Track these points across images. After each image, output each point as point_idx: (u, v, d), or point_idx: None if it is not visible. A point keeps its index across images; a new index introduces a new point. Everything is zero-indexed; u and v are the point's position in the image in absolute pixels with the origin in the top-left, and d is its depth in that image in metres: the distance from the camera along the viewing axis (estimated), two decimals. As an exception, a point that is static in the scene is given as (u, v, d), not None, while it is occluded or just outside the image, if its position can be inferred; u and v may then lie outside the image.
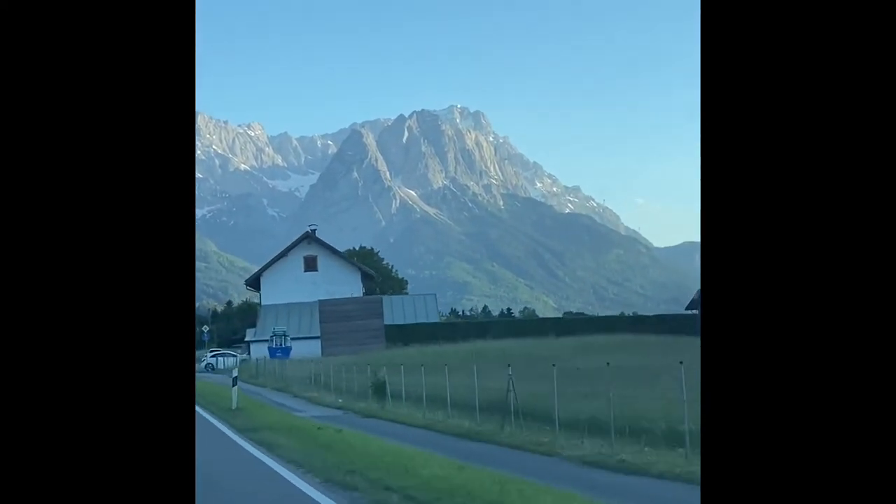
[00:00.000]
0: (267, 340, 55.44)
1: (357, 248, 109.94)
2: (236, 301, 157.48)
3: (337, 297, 62.88)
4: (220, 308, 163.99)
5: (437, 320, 73.91)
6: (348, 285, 68.77)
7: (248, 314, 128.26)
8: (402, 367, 26.71)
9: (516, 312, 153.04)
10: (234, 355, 71.27)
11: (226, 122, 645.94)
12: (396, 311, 69.16)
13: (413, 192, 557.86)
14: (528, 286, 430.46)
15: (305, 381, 37.98)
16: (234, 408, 23.48)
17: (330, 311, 60.18)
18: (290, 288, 68.74)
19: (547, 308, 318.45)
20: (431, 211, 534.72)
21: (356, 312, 60.40)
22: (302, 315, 66.29)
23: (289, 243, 77.12)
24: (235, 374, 27.82)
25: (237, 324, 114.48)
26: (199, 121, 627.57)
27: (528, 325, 73.00)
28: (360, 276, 72.84)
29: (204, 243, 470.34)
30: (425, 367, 25.40)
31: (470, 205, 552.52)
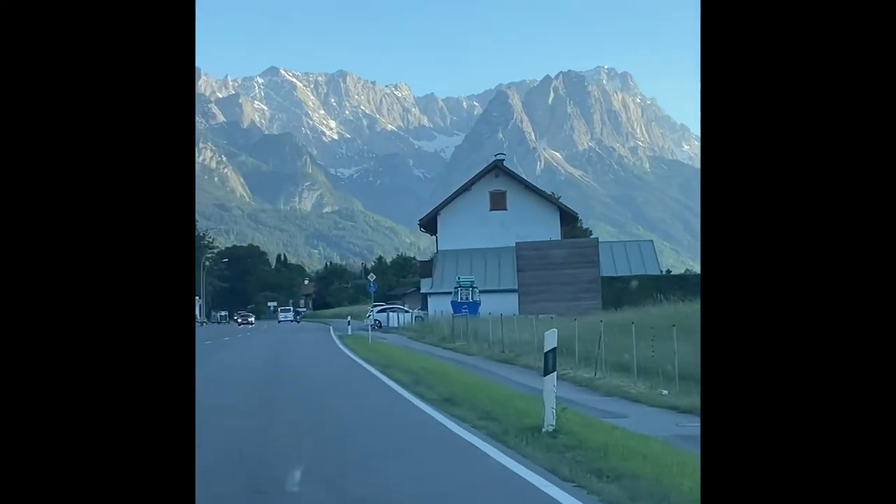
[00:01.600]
0: (449, 293, 45.45)
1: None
2: (386, 259, 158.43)
3: (531, 241, 50.37)
4: (369, 265, 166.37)
5: (658, 272, 55.51)
6: (544, 227, 55.76)
7: (404, 269, 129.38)
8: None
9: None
10: (406, 310, 61.58)
11: (374, 83, 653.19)
12: (605, 259, 52.53)
13: (558, 154, 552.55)
14: (673, 250, 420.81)
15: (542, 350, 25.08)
16: (549, 429, 9.90)
17: (530, 257, 47.96)
18: (472, 230, 56.41)
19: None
20: (576, 173, 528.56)
21: (564, 259, 47.31)
22: (488, 263, 54.51)
23: (436, 204, 64.79)
24: (552, 344, 11.43)
25: (392, 279, 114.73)
26: (349, 81, 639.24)
27: None
28: (558, 217, 59.18)
29: (350, 203, 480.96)
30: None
31: (615, 167, 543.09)
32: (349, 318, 54.80)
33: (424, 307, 57.54)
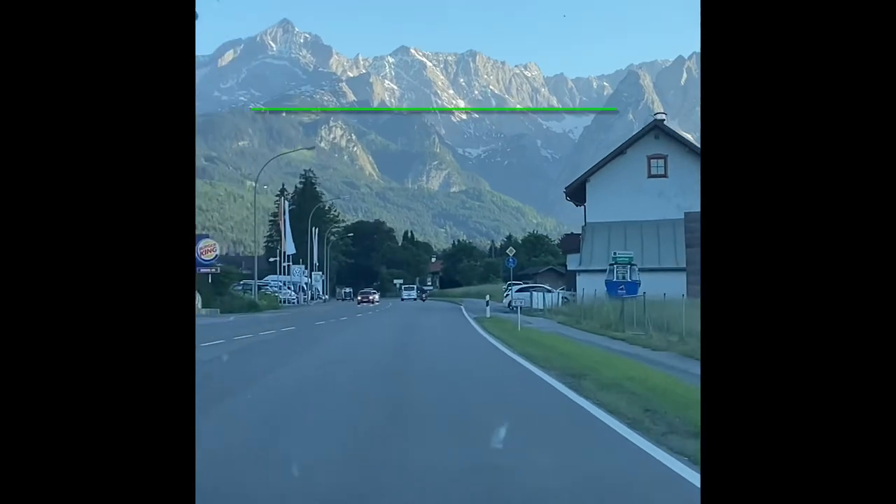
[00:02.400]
0: (600, 271, 40.11)
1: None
2: (516, 238, 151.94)
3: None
4: (498, 244, 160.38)
5: None
6: None
7: (536, 247, 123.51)
8: None
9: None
10: (549, 290, 51.09)
11: (503, 63, 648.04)
12: None
13: (689, 136, 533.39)
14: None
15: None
16: None
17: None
18: (626, 199, 48.88)
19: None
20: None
21: None
22: (645, 237, 47.36)
23: (566, 184, 56.16)
24: None
25: (522, 257, 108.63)
26: (478, 61, 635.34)
27: None
28: None
29: (478, 182, 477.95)
30: None
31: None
32: (488, 297, 47.50)
33: (571, 287, 49.54)
